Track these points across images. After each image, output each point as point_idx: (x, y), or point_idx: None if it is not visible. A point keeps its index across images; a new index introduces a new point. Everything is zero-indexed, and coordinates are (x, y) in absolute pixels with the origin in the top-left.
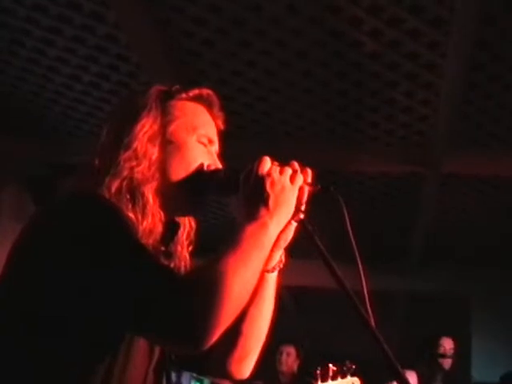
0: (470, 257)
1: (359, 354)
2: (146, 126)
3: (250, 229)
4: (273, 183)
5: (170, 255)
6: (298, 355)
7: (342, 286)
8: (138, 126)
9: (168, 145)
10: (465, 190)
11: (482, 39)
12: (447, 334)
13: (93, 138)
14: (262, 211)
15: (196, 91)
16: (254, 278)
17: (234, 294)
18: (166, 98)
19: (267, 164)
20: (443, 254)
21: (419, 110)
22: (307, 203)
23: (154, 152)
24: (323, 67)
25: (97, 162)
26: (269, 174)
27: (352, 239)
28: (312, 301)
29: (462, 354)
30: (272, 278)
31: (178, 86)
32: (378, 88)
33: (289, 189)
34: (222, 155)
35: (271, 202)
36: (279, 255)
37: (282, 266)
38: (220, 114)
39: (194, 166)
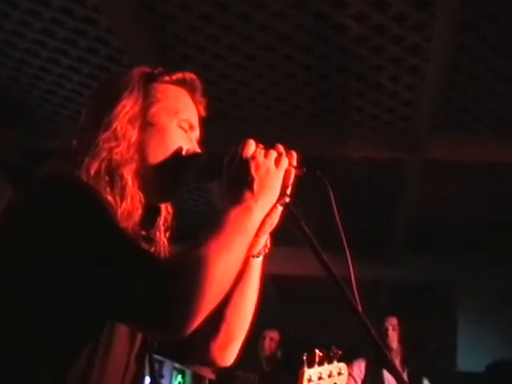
0: (455, 244)
1: (343, 342)
2: (127, 107)
3: (234, 213)
4: (257, 166)
5: (150, 240)
6: (281, 340)
7: (329, 272)
8: (119, 107)
9: (148, 127)
10: (450, 176)
11: (467, 21)
12: (393, 314)
13: (72, 123)
14: (247, 195)
15: (179, 75)
16: (238, 263)
17: (216, 279)
18: (149, 80)
19: (252, 147)
20: (428, 240)
21: (404, 95)
22: (293, 187)
23: (134, 134)
24: (306, 51)
25: (75, 143)
26: (253, 156)
27: (339, 224)
28: (294, 289)
29: (447, 343)
30: (257, 264)
31: (161, 69)
32: (363, 72)
33: (274, 172)
34: (204, 141)
35: (256, 186)
36: (264, 240)
37: (267, 251)
38: (202, 100)
39: (172, 149)
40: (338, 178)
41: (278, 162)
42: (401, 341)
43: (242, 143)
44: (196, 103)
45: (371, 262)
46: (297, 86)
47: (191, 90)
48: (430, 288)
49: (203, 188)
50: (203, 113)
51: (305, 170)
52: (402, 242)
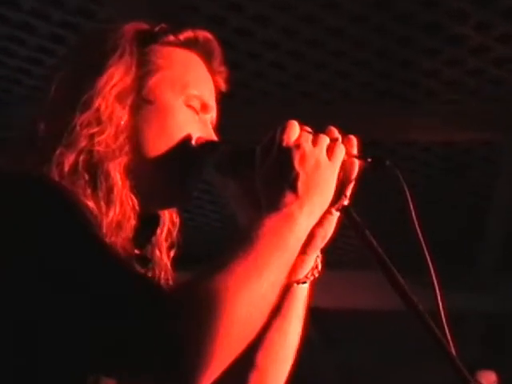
0: None
1: None
2: (115, 78)
3: (270, 222)
4: (303, 157)
5: (146, 262)
6: None
7: (408, 300)
8: (104, 78)
9: (144, 106)
10: None
11: None
12: (488, 366)
13: (28, 106)
14: (288, 197)
15: (189, 33)
16: (273, 294)
17: (241, 318)
18: (146, 40)
19: (295, 131)
20: None
21: (496, 50)
22: (354, 184)
23: (124, 115)
24: None
25: (42, 127)
26: (298, 144)
27: (419, 234)
28: (341, 327)
29: None
30: (301, 292)
31: (163, 25)
32: (435, 21)
33: (326, 165)
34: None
35: (301, 184)
36: (313, 259)
37: (316, 274)
38: (222, 69)
39: (178, 137)
40: (402, 170)
41: (331, 150)
42: None
43: (282, 126)
44: (213, 74)
45: (453, 285)
46: (341, 45)
47: (206, 56)
48: None
49: (213, 190)
50: (223, 87)
51: (370, 160)
52: (494, 261)
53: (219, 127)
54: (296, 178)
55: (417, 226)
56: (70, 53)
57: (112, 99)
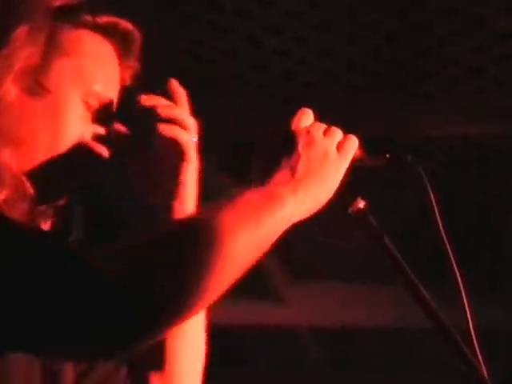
0: None
1: None
2: (22, 53)
3: (250, 195)
4: (310, 143)
5: None
6: None
7: (434, 317)
8: (8, 48)
9: (40, 92)
10: None
11: None
12: None
13: None
14: (282, 176)
15: (110, 20)
16: (264, 245)
17: (236, 251)
18: (60, 16)
19: (308, 117)
20: None
21: None
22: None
23: (17, 95)
24: None
25: None
26: (308, 130)
27: (445, 241)
28: (347, 346)
29: None
30: None
31: (82, 1)
32: (456, 2)
33: (333, 158)
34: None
35: (301, 167)
36: None
37: None
38: (135, 65)
39: (65, 136)
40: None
41: (341, 145)
42: None
43: (296, 113)
44: (123, 68)
45: (480, 299)
46: (348, 28)
47: (122, 47)
48: None
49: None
50: (127, 82)
51: (387, 156)
52: None
53: (213, 122)
54: (297, 160)
55: (441, 227)
56: None
57: (11, 76)
